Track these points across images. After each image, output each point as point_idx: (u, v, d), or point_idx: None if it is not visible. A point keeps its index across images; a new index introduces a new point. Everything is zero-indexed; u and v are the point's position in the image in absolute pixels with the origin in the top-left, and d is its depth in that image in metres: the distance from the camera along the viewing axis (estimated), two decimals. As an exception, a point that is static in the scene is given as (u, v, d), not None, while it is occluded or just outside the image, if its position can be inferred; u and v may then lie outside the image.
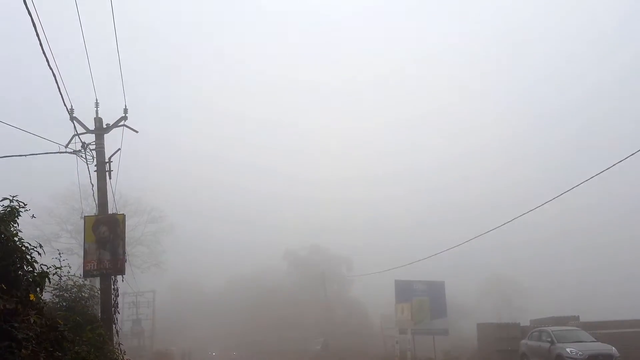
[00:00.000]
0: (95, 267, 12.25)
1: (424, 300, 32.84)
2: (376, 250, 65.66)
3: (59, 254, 9.09)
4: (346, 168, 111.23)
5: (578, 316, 25.70)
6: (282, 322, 55.06)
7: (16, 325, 5.10)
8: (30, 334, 5.18)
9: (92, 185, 13.01)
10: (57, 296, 10.25)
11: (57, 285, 10.48)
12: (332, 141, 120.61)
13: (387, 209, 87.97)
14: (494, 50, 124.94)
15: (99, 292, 12.33)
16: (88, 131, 13.35)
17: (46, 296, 9.99)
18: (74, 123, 12.97)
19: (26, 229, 6.33)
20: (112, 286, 12.35)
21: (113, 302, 12.40)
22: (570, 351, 18.28)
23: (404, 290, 33.81)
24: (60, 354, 5.61)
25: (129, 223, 13.49)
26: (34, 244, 6.12)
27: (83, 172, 14.25)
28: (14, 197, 5.99)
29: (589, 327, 21.77)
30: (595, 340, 19.25)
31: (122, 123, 13.82)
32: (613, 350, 18.10)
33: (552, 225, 66.02)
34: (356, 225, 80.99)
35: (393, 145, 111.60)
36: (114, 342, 10.39)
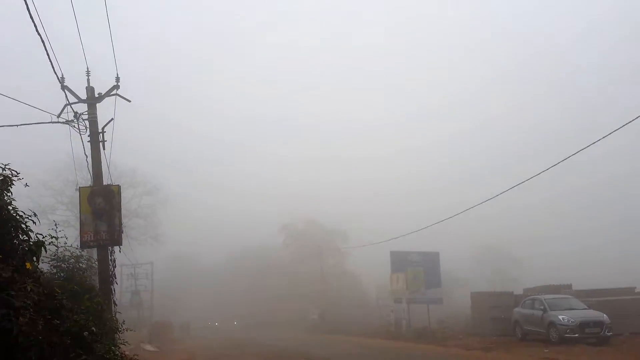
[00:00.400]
0: (92, 239, 12.29)
1: (418, 271, 33.21)
2: (372, 222, 66.00)
3: (55, 225, 9.10)
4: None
5: (571, 284, 26.02)
6: (280, 294, 55.65)
7: (13, 293, 5.13)
8: (28, 302, 5.22)
9: (87, 157, 12.96)
10: (54, 267, 10.30)
11: (54, 256, 10.53)
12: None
13: (384, 180, 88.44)
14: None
15: (97, 263, 12.40)
16: (80, 100, 13.24)
17: (43, 267, 10.04)
18: (65, 92, 12.85)
19: (21, 201, 6.30)
20: (110, 257, 12.42)
21: (111, 273, 12.48)
22: (562, 318, 18.59)
23: (399, 261, 34.20)
24: (58, 322, 5.66)
25: (124, 195, 13.48)
26: (28, 213, 6.12)
27: (77, 145, 14.22)
28: (5, 165, 5.95)
29: (582, 295, 22.09)
30: (587, 307, 19.55)
31: (114, 92, 13.69)
32: (604, 317, 18.40)
33: (553, 192, 66.58)
34: (353, 198, 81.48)
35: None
36: (113, 312, 10.49)
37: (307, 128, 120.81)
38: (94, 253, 13.26)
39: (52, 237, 7.49)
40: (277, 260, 61.48)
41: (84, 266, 11.24)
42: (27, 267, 5.69)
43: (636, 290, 24.19)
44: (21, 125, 12.33)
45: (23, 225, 5.92)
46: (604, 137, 16.74)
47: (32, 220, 6.11)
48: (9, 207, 5.76)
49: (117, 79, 13.60)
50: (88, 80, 13.41)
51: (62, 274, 10.00)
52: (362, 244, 48.71)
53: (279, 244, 62.93)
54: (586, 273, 47.48)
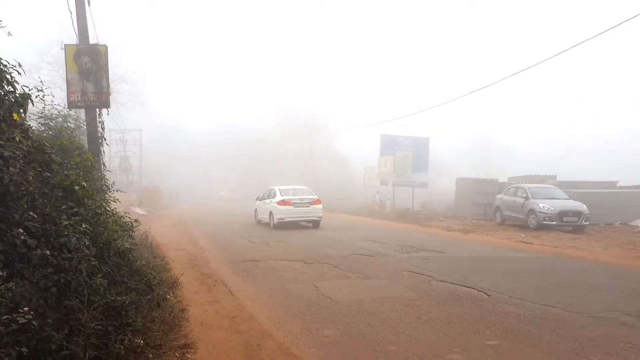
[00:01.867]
0: (80, 99, 12.00)
1: (407, 155, 33.61)
2: (364, 106, 65.76)
3: (41, 82, 8.81)
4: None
5: (555, 175, 26.56)
6: (269, 170, 56.37)
7: (2, 143, 5.02)
8: (17, 152, 5.13)
9: (71, 13, 12.30)
10: (42, 124, 10.14)
11: (41, 113, 10.33)
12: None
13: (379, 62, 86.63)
14: None
15: (85, 124, 12.23)
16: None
17: (31, 124, 9.89)
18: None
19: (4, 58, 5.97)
20: (98, 119, 12.22)
21: (100, 134, 12.35)
22: (543, 206, 19.15)
23: (389, 144, 34.46)
24: (49, 175, 5.62)
25: (112, 58, 12.96)
26: (13, 63, 5.84)
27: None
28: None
29: (565, 186, 22.63)
30: (568, 198, 20.09)
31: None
32: (583, 207, 18.97)
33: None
34: (345, 82, 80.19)
35: None
36: (102, 172, 10.52)
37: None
38: (82, 114, 13.03)
39: (38, 91, 7.25)
40: (267, 136, 61.60)
41: (72, 126, 11.09)
42: (15, 118, 5.51)
43: (617, 185, 24.79)
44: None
45: (8, 76, 5.66)
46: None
47: (17, 71, 5.84)
48: (-9, 54, 5.48)
49: None
50: None
51: (50, 132, 9.86)
52: (352, 126, 48.79)
53: (270, 120, 62.83)
54: (574, 166, 48.34)
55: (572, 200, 19.81)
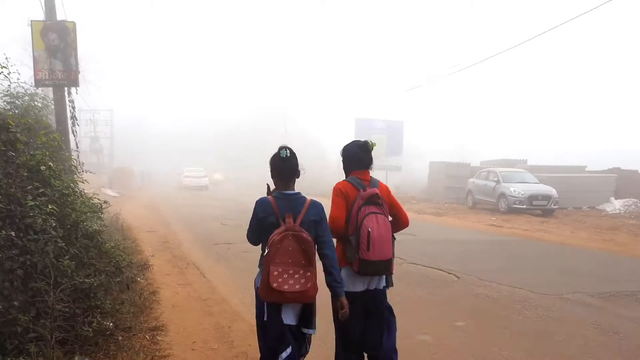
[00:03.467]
0: (47, 77, 11.70)
1: (381, 138, 33.74)
2: (340, 91, 65.73)
3: (6, 58, 8.54)
4: None
5: (526, 160, 27.01)
6: (244, 156, 56.07)
7: (-38, 121, 4.88)
8: (-21, 131, 4.99)
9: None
10: (8, 103, 9.87)
11: (6, 92, 10.05)
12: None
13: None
14: None
15: (53, 103, 11.95)
16: None
17: (-4, 103, 9.62)
18: None
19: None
20: (67, 98, 11.94)
21: (70, 114, 12.08)
22: (513, 190, 19.48)
23: (364, 128, 34.54)
24: (14, 154, 5.47)
25: (81, 36, 12.62)
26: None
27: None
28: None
29: (536, 170, 23.02)
30: (538, 182, 20.46)
31: None
32: (553, 191, 19.36)
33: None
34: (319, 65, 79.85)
35: None
36: (70, 152, 10.32)
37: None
38: (50, 93, 12.72)
39: (2, 67, 7.03)
40: (243, 125, 61.21)
41: (39, 105, 10.81)
42: (-23, 95, 5.36)
43: (586, 169, 25.32)
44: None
45: (-30, 51, 5.48)
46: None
47: (-20, 47, 5.66)
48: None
49: None
50: None
51: (16, 111, 9.60)
52: (327, 110, 48.78)
53: (244, 110, 62.44)
54: (546, 150, 49.18)
55: (542, 185, 20.18)
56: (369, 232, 3.62)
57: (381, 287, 3.95)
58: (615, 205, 21.05)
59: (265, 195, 3.57)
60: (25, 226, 4.72)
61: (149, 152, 58.54)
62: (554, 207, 19.17)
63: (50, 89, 12.39)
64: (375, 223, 3.67)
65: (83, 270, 5.28)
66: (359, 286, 3.81)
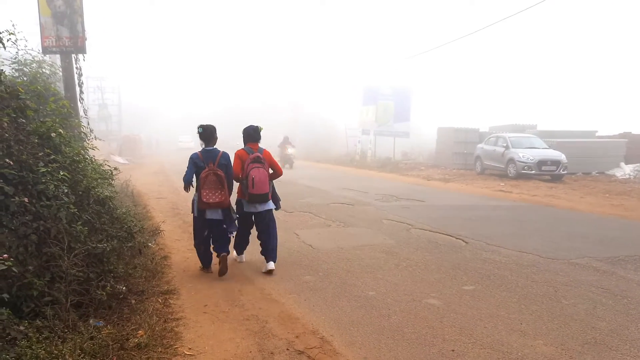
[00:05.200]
0: (54, 44, 11.63)
1: (389, 104, 33.46)
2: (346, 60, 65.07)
3: (13, 25, 8.49)
4: None
5: (536, 125, 26.78)
6: (252, 121, 55.85)
7: (-28, 88, 4.89)
8: (-10, 97, 5.00)
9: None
10: (16, 70, 9.86)
11: (14, 59, 10.04)
12: None
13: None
14: None
15: (61, 70, 11.91)
16: None
17: (4, 70, 9.60)
18: None
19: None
20: (74, 65, 11.90)
21: (79, 81, 12.05)
22: (522, 156, 19.38)
23: (371, 94, 34.21)
24: (24, 121, 5.49)
25: (87, 3, 12.48)
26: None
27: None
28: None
29: (545, 135, 22.79)
30: (547, 147, 20.32)
31: None
32: (562, 157, 19.24)
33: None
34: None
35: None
36: (80, 119, 10.34)
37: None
38: (58, 60, 12.68)
39: (10, 34, 7.00)
40: (255, 90, 61.02)
41: (47, 72, 10.80)
42: (-15, 62, 5.35)
43: (597, 134, 25.08)
44: None
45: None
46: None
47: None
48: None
49: None
50: None
51: (25, 78, 9.60)
52: (335, 81, 48.38)
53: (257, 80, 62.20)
54: (556, 115, 48.69)
55: (551, 150, 20.04)
56: (253, 178, 6.33)
57: (267, 209, 6.71)
58: (625, 170, 20.93)
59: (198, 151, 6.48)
60: (37, 192, 4.77)
61: (156, 121, 58.60)
62: (563, 172, 19.08)
63: (58, 56, 12.33)
64: (257, 172, 6.36)
65: (95, 235, 5.36)
66: (251, 209, 6.65)
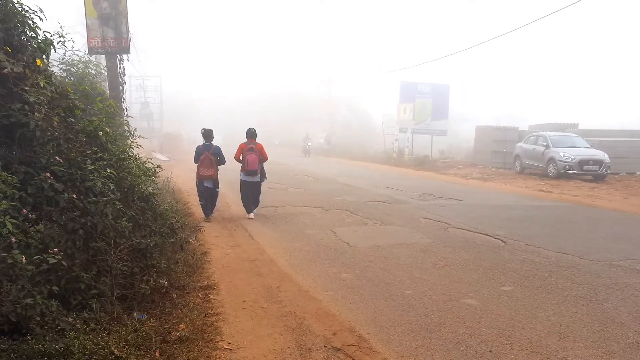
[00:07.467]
0: (100, 45, 11.99)
1: (426, 102, 33.16)
2: (384, 53, 64.71)
3: (61, 27, 8.79)
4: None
5: (577, 123, 26.13)
6: (290, 119, 56.20)
7: (26, 88, 5.09)
8: (42, 98, 5.20)
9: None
10: (64, 70, 10.20)
11: (62, 59, 10.38)
12: None
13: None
14: None
15: (105, 69, 12.27)
16: None
17: (53, 70, 9.93)
18: None
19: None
20: (118, 65, 12.24)
21: (121, 80, 12.40)
22: (563, 155, 18.96)
23: (408, 92, 33.96)
24: (73, 120, 5.71)
25: (131, 2, 12.80)
26: (34, 8, 5.83)
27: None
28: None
29: (587, 134, 22.21)
30: (589, 146, 19.82)
31: None
32: (605, 156, 18.74)
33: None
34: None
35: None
36: (124, 118, 10.63)
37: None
38: (102, 60, 13.06)
39: (60, 37, 7.26)
40: (288, 89, 61.31)
41: (93, 72, 11.13)
42: (38, 64, 5.57)
43: (641, 133, 24.33)
44: None
45: (30, 22, 5.67)
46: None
47: (39, 17, 5.85)
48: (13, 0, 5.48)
49: None
50: None
51: (72, 78, 9.93)
52: (372, 73, 48.17)
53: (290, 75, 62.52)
54: (597, 113, 47.41)
55: (593, 149, 19.54)
56: (247, 160, 10.52)
57: (256, 181, 10.78)
58: (672, 170, 20.25)
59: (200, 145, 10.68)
60: (85, 189, 4.97)
61: (196, 118, 59.53)
62: (605, 172, 18.59)
63: (102, 56, 12.70)
64: (250, 157, 10.49)
65: (139, 231, 5.54)
66: (248, 179, 10.72)
